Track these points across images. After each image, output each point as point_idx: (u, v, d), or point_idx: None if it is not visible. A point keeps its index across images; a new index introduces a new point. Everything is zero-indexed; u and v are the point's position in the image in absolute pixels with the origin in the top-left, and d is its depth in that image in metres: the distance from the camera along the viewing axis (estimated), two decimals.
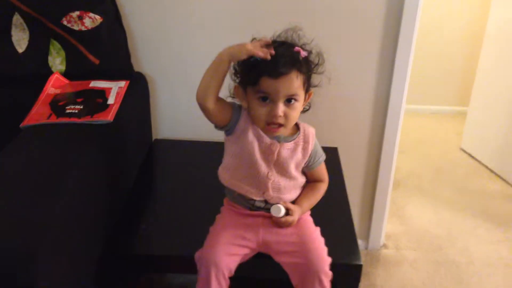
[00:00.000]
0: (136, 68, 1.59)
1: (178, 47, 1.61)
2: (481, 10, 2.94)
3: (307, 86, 1.11)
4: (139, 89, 1.55)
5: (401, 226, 2.10)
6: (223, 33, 1.56)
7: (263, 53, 1.02)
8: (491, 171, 2.57)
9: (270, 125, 1.08)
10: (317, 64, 1.12)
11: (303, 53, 1.07)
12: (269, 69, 1.03)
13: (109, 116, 1.25)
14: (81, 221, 1.04)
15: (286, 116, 1.07)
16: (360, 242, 1.90)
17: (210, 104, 1.06)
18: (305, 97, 1.12)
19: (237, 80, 1.12)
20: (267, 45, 1.05)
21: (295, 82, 1.05)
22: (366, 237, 1.93)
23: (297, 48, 1.07)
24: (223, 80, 1.06)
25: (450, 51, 3.18)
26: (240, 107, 1.13)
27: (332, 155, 1.57)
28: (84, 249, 1.07)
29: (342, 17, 1.56)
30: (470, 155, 2.74)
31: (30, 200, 0.92)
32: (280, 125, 1.08)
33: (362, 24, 1.57)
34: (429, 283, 1.78)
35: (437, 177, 2.52)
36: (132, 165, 1.45)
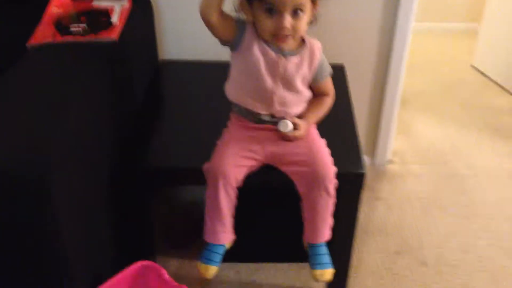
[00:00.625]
0: None
1: None
2: None
3: None
4: (142, 9, 1.53)
5: (407, 143, 2.13)
6: None
7: None
8: (501, 86, 2.56)
9: (278, 37, 1.08)
10: None
11: None
12: None
13: (113, 34, 1.25)
14: (92, 135, 1.08)
15: (293, 28, 1.07)
16: (366, 158, 1.95)
17: (214, 18, 1.06)
18: (311, 8, 1.10)
19: None
20: None
21: None
22: (372, 153, 1.97)
23: None
24: None
25: None
26: (244, 22, 1.12)
27: (338, 72, 1.57)
28: (97, 164, 1.11)
29: None
30: (480, 71, 2.72)
31: (43, 114, 0.95)
32: (288, 36, 1.08)
33: None
34: (433, 194, 1.84)
35: (445, 95, 2.52)
36: (140, 84, 1.47)
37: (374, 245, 1.63)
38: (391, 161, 2.00)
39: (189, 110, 1.44)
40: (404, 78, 1.83)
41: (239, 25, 1.12)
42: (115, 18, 1.34)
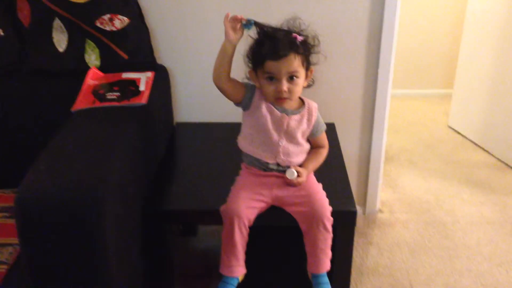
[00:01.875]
0: (158, 61, 1.84)
1: (193, 41, 1.86)
2: None
3: (307, 64, 1.36)
4: (162, 79, 1.80)
5: (394, 194, 2.36)
6: None
7: (234, 18, 1.28)
8: (476, 144, 2.83)
9: (278, 99, 1.34)
10: (313, 45, 1.38)
11: (300, 38, 1.32)
12: (271, 53, 1.29)
13: (142, 99, 1.51)
14: (127, 181, 1.30)
15: (290, 90, 1.32)
16: (358, 208, 2.15)
17: (224, 83, 1.33)
18: (306, 74, 1.37)
19: (250, 65, 1.38)
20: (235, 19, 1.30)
21: (294, 62, 1.30)
22: (364, 204, 2.18)
23: (294, 34, 1.32)
24: (230, 62, 1.32)
25: (434, 39, 3.46)
26: (254, 86, 1.39)
27: (329, 130, 1.82)
28: (132, 201, 1.32)
29: (330, 9, 1.82)
30: (456, 131, 3.00)
31: (91, 161, 1.17)
32: (286, 98, 1.34)
33: (349, 17, 1.83)
34: (419, 239, 2.04)
35: (426, 152, 2.78)
36: (162, 142, 1.71)
37: (369, 285, 1.80)
38: (380, 211, 2.22)
39: (204, 162, 1.67)
40: (388, 137, 2.08)
41: (249, 89, 1.38)
42: (142, 86, 1.60)
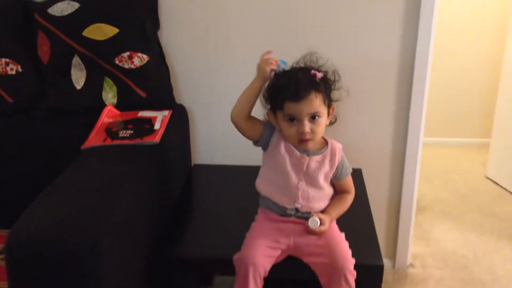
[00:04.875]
0: (178, 100, 1.79)
1: (214, 82, 1.81)
2: (498, 41, 3.09)
3: (328, 101, 1.27)
4: (180, 118, 1.74)
5: (427, 247, 2.18)
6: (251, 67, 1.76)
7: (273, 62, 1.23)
8: None
9: (301, 141, 1.25)
10: (334, 81, 1.29)
11: (319, 75, 1.24)
12: (291, 94, 1.21)
13: (156, 138, 1.44)
14: (134, 224, 1.21)
15: (312, 131, 1.23)
16: (387, 262, 1.99)
17: (243, 121, 1.26)
18: (328, 112, 1.28)
19: (268, 107, 1.30)
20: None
21: (315, 101, 1.22)
22: (393, 257, 2.02)
23: (313, 72, 1.24)
24: (255, 101, 1.25)
25: (470, 86, 3.33)
26: (272, 125, 1.30)
27: (356, 175, 1.70)
28: (136, 250, 1.23)
29: (359, 45, 1.74)
30: (495, 182, 2.81)
31: (91, 202, 1.09)
32: (309, 139, 1.24)
33: (378, 53, 1.74)
34: None
35: (462, 203, 2.60)
36: (176, 183, 1.62)
37: None
38: (412, 265, 2.04)
39: (220, 206, 1.57)
40: (420, 186, 1.94)
41: (267, 126, 1.29)
42: (157, 125, 1.54)
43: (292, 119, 1.23)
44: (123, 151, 1.38)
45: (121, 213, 1.12)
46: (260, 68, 1.25)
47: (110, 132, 1.49)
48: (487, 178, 2.88)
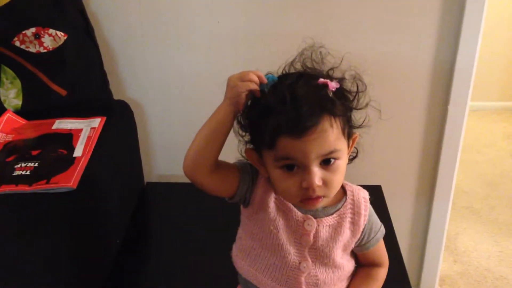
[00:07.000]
0: (117, 95, 1.24)
1: (171, 64, 1.27)
2: None
3: (349, 129, 0.74)
4: (122, 123, 1.21)
5: (456, 265, 1.73)
6: (225, 47, 1.21)
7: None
8: None
9: (307, 201, 0.72)
10: (356, 93, 0.75)
11: (332, 85, 0.70)
12: (288, 124, 0.67)
13: (71, 181, 0.89)
14: None
15: (326, 183, 0.71)
16: None
17: (204, 176, 0.74)
18: (348, 144, 0.75)
19: (246, 139, 0.76)
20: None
21: (330, 133, 0.69)
22: (417, 284, 1.58)
23: (321, 80, 0.70)
24: (224, 140, 0.72)
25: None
26: (253, 169, 0.77)
27: (375, 194, 1.24)
28: None
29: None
30: None
31: None
32: (320, 198, 0.72)
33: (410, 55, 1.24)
34: None
35: (490, 194, 2.14)
36: (118, 220, 1.12)
37: None
38: None
39: (179, 249, 1.13)
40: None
41: (246, 175, 0.77)
42: (79, 149, 1.00)
43: (291, 165, 0.70)
44: (17, 209, 0.84)
45: None
46: (230, 86, 0.70)
47: (2, 165, 0.94)
48: None
